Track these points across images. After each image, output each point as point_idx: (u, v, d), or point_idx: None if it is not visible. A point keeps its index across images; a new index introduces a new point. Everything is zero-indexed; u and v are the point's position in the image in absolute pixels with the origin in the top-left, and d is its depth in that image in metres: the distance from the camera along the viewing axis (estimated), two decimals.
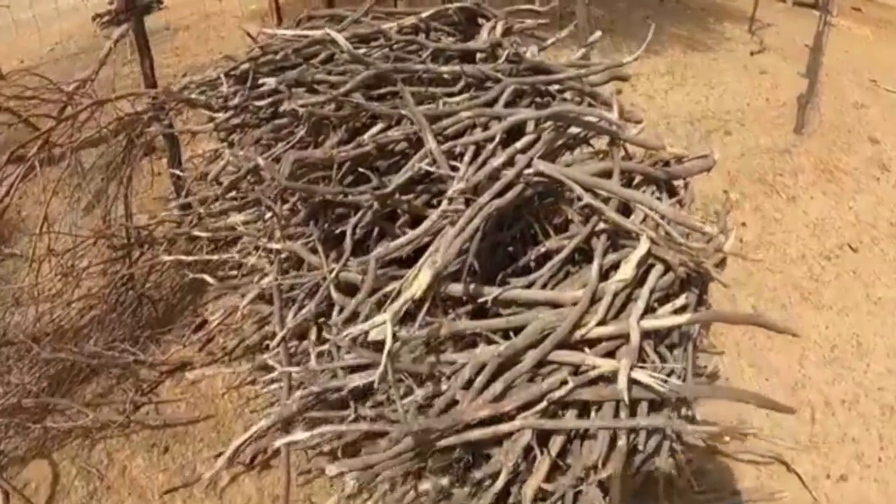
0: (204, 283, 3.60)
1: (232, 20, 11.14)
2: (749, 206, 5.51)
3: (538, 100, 2.76)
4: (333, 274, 2.38)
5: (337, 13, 3.42)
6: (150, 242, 3.94)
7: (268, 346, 3.04)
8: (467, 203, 2.27)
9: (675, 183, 2.92)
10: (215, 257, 3.40)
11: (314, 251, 2.58)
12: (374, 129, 2.59)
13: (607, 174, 2.59)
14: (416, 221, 2.58)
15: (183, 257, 3.55)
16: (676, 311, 2.38)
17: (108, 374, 3.46)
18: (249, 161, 2.56)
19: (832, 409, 4.03)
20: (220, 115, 3.08)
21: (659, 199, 2.77)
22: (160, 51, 8.51)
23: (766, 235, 5.23)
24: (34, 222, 4.05)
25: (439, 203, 2.48)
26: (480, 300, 2.32)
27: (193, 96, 3.39)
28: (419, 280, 1.99)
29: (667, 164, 2.92)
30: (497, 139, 2.39)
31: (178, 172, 4.10)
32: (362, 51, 2.87)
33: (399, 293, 2.06)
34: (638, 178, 2.83)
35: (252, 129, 3.07)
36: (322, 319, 2.69)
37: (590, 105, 2.81)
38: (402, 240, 2.29)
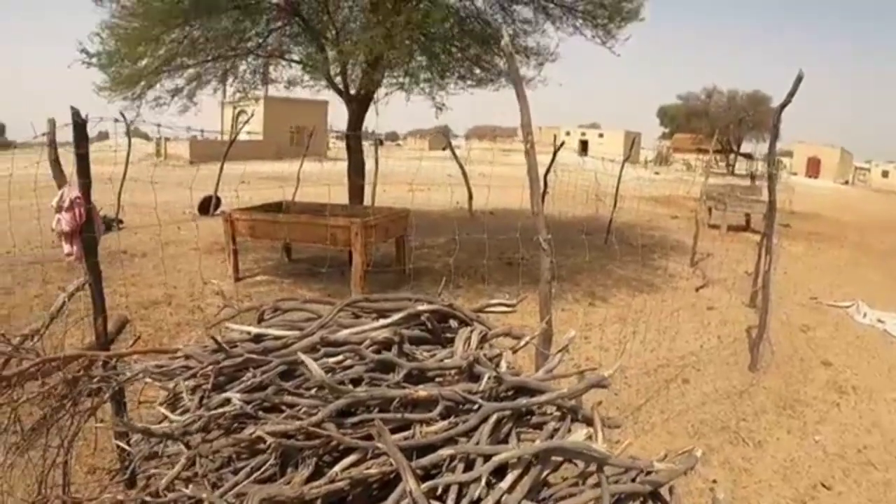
0: None
1: (191, 252, 11.27)
2: (717, 460, 5.42)
3: (520, 420, 2.64)
4: None
5: (302, 305, 3.32)
6: None
7: None
8: None
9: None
10: None
11: None
12: (347, 461, 2.40)
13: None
14: None
15: None
16: None
17: None
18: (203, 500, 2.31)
19: None
20: (177, 419, 2.85)
21: None
22: (116, 277, 8.51)
23: (739, 490, 5.12)
24: None
25: None
26: None
27: (148, 380, 3.21)
28: None
29: (649, 472, 2.80)
30: (483, 481, 2.23)
31: (123, 445, 3.81)
32: (333, 360, 2.74)
33: None
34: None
35: (210, 431, 2.87)
36: None
37: (572, 420, 2.70)
38: None
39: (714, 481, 5.13)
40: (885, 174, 64.84)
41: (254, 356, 2.72)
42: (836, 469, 5.32)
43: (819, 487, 5.09)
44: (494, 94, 12.23)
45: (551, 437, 2.59)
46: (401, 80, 11.79)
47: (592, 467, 2.67)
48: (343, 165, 11.98)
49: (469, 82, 12.13)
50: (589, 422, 2.76)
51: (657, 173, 39.18)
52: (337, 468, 2.39)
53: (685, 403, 6.22)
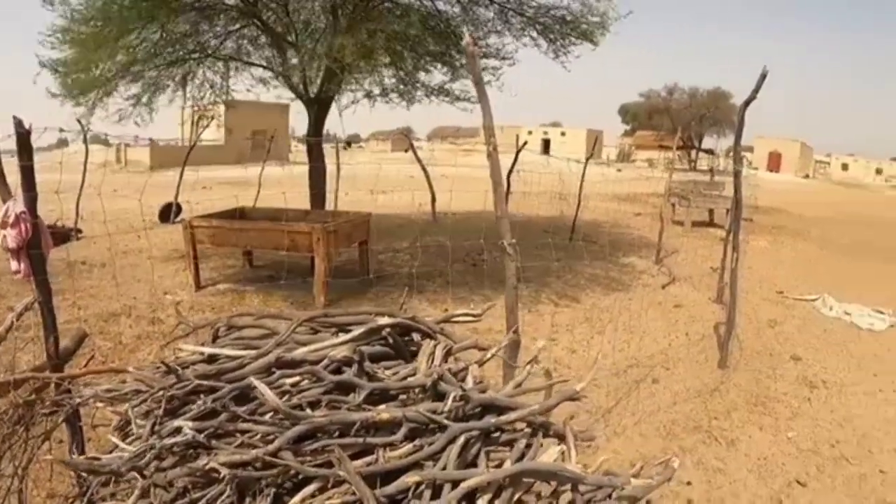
0: None
1: (148, 261, 11.01)
2: (690, 461, 5.36)
3: (489, 439, 2.51)
4: None
5: (258, 322, 3.16)
6: None
7: None
8: None
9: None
10: None
11: None
12: (307, 491, 2.24)
13: None
14: None
15: None
16: None
17: None
18: None
19: None
20: (127, 449, 2.69)
21: None
22: (76, 288, 8.22)
23: (714, 491, 5.06)
24: None
25: None
26: None
27: (99, 405, 3.05)
28: None
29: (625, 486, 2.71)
30: None
31: (82, 472, 3.64)
32: (290, 381, 2.60)
33: None
34: None
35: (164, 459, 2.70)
36: None
37: (543, 435, 2.58)
38: None
39: (688, 483, 5.07)
40: (844, 167, 66.13)
41: (203, 382, 2.56)
42: (811, 465, 5.29)
43: (794, 484, 5.05)
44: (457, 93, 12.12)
45: (522, 455, 2.46)
46: (366, 87, 11.62)
47: (567, 485, 2.57)
48: (306, 169, 11.80)
49: (438, 96, 11.99)
50: (561, 437, 2.65)
51: (619, 170, 39.41)
52: (296, 499, 2.24)
53: (656, 404, 6.15)
